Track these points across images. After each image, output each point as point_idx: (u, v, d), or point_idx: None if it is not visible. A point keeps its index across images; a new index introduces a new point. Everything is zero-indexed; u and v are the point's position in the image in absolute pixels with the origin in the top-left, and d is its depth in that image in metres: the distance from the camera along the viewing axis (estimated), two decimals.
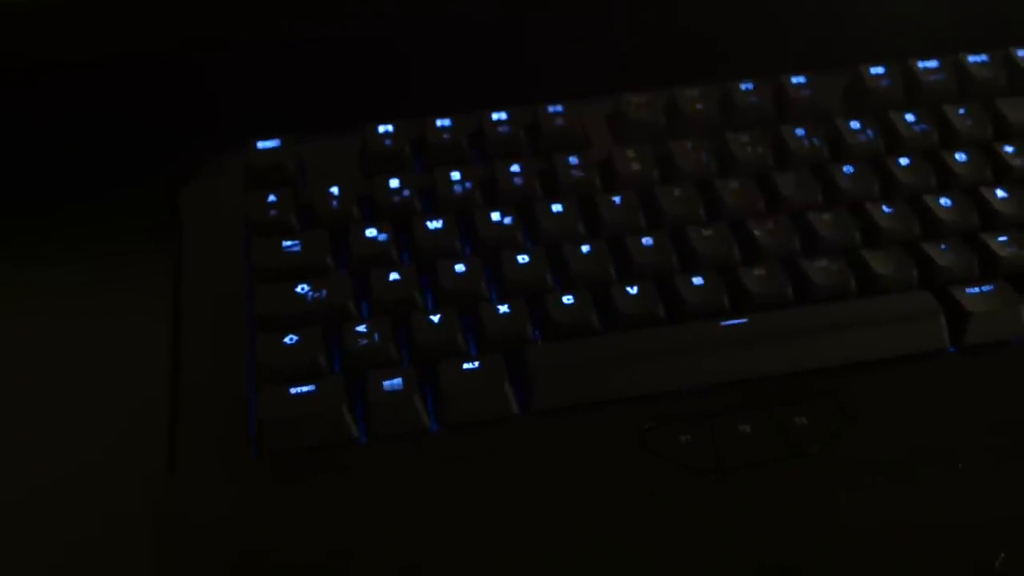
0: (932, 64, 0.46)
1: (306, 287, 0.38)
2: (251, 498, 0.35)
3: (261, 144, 0.43)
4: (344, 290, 0.38)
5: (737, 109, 0.45)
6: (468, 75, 0.50)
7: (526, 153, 0.44)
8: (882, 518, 0.34)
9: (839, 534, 0.34)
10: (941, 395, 0.37)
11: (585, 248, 0.40)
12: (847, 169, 0.42)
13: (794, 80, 0.45)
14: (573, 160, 0.43)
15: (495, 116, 0.44)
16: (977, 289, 0.39)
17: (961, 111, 0.44)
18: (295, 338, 0.37)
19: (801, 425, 0.36)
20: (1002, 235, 0.40)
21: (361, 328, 0.37)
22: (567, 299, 0.38)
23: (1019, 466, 0.35)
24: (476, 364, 0.36)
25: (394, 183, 0.42)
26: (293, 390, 0.35)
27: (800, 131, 0.44)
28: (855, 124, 0.44)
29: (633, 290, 0.39)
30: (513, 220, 0.41)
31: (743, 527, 0.34)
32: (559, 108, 0.45)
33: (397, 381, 0.36)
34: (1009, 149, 0.43)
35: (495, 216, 0.41)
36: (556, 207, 0.41)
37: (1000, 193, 0.42)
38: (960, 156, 0.43)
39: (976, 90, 0.45)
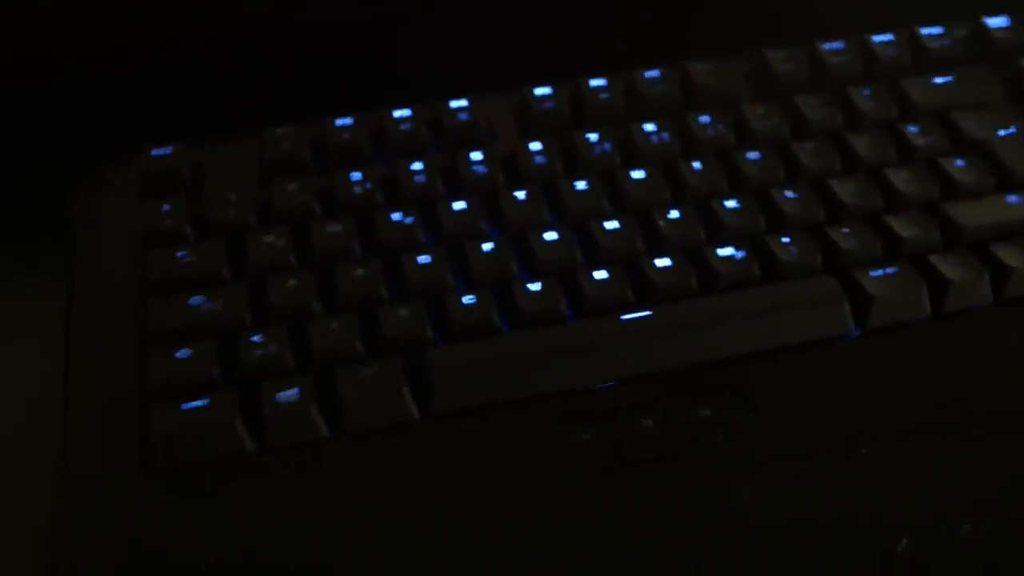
0: (838, 46, 0.46)
1: (201, 298, 0.37)
2: (144, 514, 0.34)
3: (156, 151, 0.42)
4: (239, 300, 0.37)
5: (643, 98, 0.44)
6: (366, 73, 0.49)
7: (430, 150, 0.43)
8: (785, 508, 0.34)
9: (742, 525, 0.34)
10: (844, 381, 0.37)
11: (487, 246, 0.39)
12: (752, 155, 0.42)
13: (699, 66, 0.45)
14: (476, 156, 0.42)
15: (396, 114, 0.43)
16: (881, 272, 0.39)
17: (866, 92, 0.44)
18: (189, 352, 0.36)
19: (705, 417, 0.36)
20: (905, 216, 0.40)
21: (257, 339, 0.36)
22: (468, 299, 0.38)
23: (920, 448, 0.35)
24: (374, 369, 0.36)
25: (292, 187, 0.41)
26: (185, 406, 0.35)
27: (706, 118, 0.43)
28: (760, 109, 0.44)
29: (535, 287, 0.38)
30: (414, 220, 0.40)
31: (647, 522, 0.34)
32: (464, 103, 0.44)
33: (293, 391, 0.35)
34: (913, 129, 0.43)
35: (396, 216, 0.40)
36: (458, 205, 0.40)
37: (903, 174, 0.42)
38: (864, 138, 0.43)
39: (881, 70, 0.45)
